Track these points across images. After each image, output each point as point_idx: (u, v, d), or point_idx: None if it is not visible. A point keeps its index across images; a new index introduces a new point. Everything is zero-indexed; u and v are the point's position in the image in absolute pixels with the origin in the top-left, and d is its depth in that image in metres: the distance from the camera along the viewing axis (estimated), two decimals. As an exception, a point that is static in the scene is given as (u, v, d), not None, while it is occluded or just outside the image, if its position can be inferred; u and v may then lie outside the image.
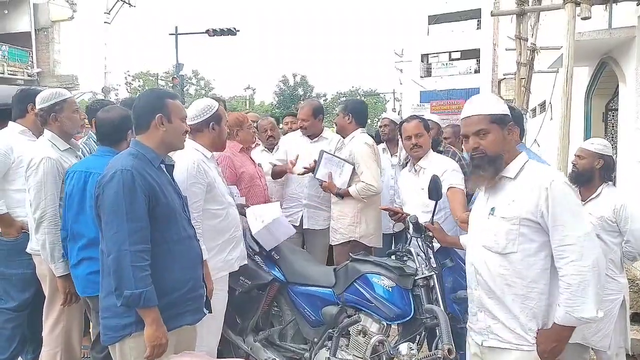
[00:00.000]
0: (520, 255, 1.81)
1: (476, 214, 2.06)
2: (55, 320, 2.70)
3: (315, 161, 3.55)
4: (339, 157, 3.54)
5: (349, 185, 3.47)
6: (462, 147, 2.88)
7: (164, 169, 2.14)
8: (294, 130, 4.38)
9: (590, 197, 2.85)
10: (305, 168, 3.60)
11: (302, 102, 4.20)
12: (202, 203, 2.49)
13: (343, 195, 3.48)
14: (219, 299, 2.59)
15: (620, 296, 2.78)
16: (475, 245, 1.98)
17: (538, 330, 1.82)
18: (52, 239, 2.56)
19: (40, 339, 3.27)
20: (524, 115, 2.71)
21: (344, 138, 3.73)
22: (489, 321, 1.90)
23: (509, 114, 1.93)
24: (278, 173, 3.87)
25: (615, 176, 3.06)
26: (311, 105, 3.83)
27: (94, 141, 3.27)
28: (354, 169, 3.46)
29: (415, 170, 3.15)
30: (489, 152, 1.88)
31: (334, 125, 3.97)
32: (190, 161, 2.46)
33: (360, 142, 3.51)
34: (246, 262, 2.79)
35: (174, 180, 2.21)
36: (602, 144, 2.95)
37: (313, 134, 3.83)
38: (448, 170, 2.98)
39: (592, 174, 2.86)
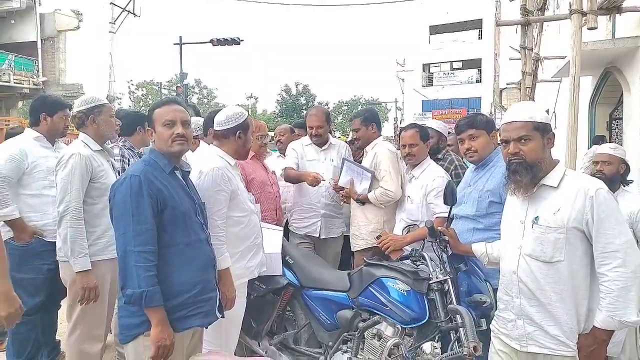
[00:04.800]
0: (567, 263, 1.83)
1: (511, 222, 2.04)
2: (74, 325, 2.72)
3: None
4: (359, 166, 3.59)
5: (370, 191, 3.50)
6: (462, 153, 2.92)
7: (180, 175, 2.21)
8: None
9: None
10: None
11: (311, 109, 4.22)
12: (226, 210, 2.51)
13: (363, 201, 3.51)
14: (239, 305, 2.60)
15: None
16: (515, 254, 1.97)
17: (579, 335, 1.84)
18: (74, 233, 2.54)
19: (56, 342, 3.31)
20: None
21: (365, 148, 3.72)
22: (529, 328, 1.91)
23: (550, 123, 1.94)
24: (294, 177, 3.82)
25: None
26: (324, 112, 3.92)
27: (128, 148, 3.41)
28: (373, 176, 3.49)
29: (409, 178, 3.23)
30: (528, 158, 1.89)
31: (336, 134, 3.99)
32: (215, 168, 2.48)
33: (384, 148, 3.55)
34: (265, 269, 2.81)
35: (189, 185, 2.24)
36: (621, 149, 3.01)
37: (323, 141, 3.88)
38: (432, 193, 3.03)
39: (617, 180, 2.91)
